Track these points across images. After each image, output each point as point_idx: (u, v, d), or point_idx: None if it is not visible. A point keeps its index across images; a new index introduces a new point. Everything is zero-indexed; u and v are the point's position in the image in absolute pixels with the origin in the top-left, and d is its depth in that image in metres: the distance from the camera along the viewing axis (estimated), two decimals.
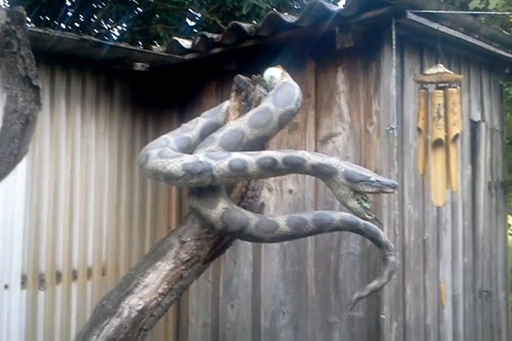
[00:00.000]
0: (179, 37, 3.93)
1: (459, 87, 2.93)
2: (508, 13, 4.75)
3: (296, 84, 1.57)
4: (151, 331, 1.49)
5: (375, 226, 1.63)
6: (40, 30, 3.05)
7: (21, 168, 3.29)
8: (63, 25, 6.42)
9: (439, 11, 2.95)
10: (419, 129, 2.94)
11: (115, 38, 6.83)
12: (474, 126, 3.92)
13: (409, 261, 3.21)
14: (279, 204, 3.46)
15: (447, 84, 2.89)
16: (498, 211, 4.18)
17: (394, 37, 2.90)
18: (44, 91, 3.07)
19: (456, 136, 2.88)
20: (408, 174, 3.23)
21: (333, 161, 1.40)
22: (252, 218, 1.40)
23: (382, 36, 3.05)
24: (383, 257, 1.68)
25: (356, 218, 1.50)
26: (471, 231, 3.82)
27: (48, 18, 6.50)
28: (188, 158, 1.35)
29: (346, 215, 1.51)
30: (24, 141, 1.71)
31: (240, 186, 1.52)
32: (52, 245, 3.48)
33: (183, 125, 1.59)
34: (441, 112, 2.84)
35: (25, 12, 1.62)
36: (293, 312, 3.37)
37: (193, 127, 1.56)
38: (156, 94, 4.04)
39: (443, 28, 3.06)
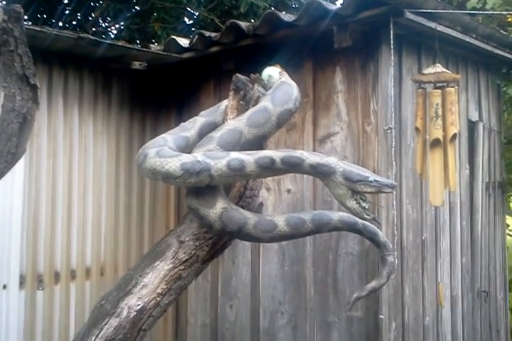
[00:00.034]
0: (177, 35, 3.93)
1: (456, 87, 2.93)
2: (506, 12, 4.76)
3: (295, 84, 1.57)
4: (150, 331, 1.49)
5: (373, 226, 1.62)
6: (38, 28, 3.03)
7: (19, 167, 3.28)
8: (60, 24, 6.41)
9: (437, 11, 2.95)
10: (417, 129, 2.94)
11: (113, 36, 6.82)
12: (472, 125, 3.92)
13: (408, 261, 3.21)
14: (277, 203, 3.46)
15: (445, 84, 2.89)
16: (496, 211, 4.18)
17: (392, 36, 2.89)
18: (41, 89, 3.06)
19: (454, 136, 2.88)
20: (406, 174, 3.23)
21: (331, 161, 1.40)
22: (250, 218, 1.39)
23: (380, 35, 3.04)
24: (382, 257, 1.68)
25: (355, 218, 1.50)
26: (469, 232, 3.83)
27: (45, 16, 6.49)
28: (186, 158, 1.34)
29: (345, 215, 1.51)
30: (22, 139, 1.70)
31: (238, 186, 1.52)
32: (51, 245, 3.47)
33: (182, 124, 1.58)
34: (439, 112, 2.84)
35: (22, 10, 1.61)
36: (292, 312, 3.36)
37: (191, 126, 1.56)
38: (154, 92, 4.03)
39: (441, 28, 3.06)
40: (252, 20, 5.76)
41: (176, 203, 4.04)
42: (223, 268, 3.69)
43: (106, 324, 1.42)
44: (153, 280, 1.44)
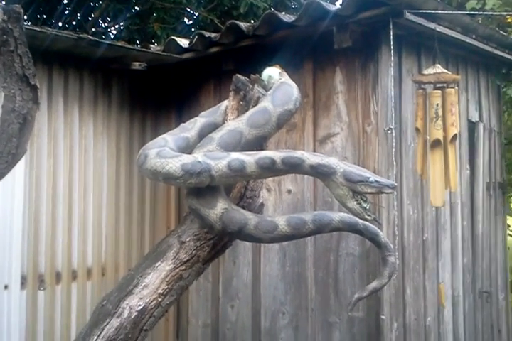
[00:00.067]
0: (177, 36, 3.93)
1: (456, 88, 2.93)
2: (505, 13, 4.76)
3: (295, 84, 1.57)
4: (151, 331, 1.49)
5: (374, 226, 1.62)
6: (37, 29, 3.03)
7: (19, 168, 3.28)
8: (60, 24, 6.41)
9: (437, 11, 2.95)
10: (417, 129, 2.94)
11: (112, 36, 6.82)
12: (472, 126, 3.92)
13: (409, 261, 3.21)
14: (278, 204, 3.46)
15: (445, 85, 2.89)
16: (496, 211, 4.18)
17: (392, 37, 2.89)
18: (42, 90, 3.06)
19: (454, 137, 2.88)
20: (407, 174, 3.22)
21: (331, 161, 1.40)
22: (251, 218, 1.39)
23: (379, 36, 3.04)
24: (383, 258, 1.68)
25: (355, 218, 1.50)
26: (470, 232, 3.83)
27: (45, 17, 6.49)
28: (186, 158, 1.34)
29: (345, 216, 1.51)
30: (22, 140, 1.70)
31: (238, 186, 1.52)
32: (52, 245, 3.47)
33: (182, 125, 1.58)
34: (440, 112, 2.84)
35: (22, 10, 1.61)
36: (293, 313, 3.36)
37: (191, 127, 1.56)
38: (154, 93, 4.03)
39: (440, 28, 3.06)
40: (252, 21, 5.76)
41: (177, 203, 4.04)
42: (224, 269, 3.69)
43: (107, 324, 1.42)
44: (154, 281, 1.44)
